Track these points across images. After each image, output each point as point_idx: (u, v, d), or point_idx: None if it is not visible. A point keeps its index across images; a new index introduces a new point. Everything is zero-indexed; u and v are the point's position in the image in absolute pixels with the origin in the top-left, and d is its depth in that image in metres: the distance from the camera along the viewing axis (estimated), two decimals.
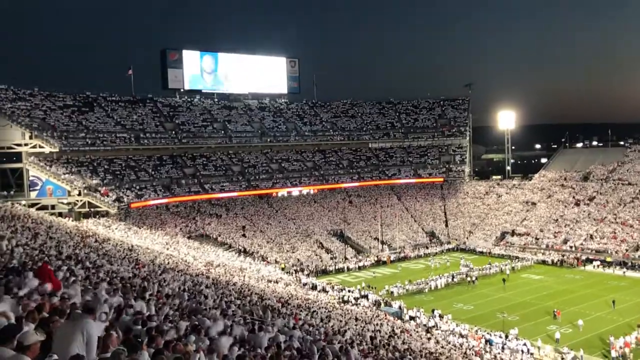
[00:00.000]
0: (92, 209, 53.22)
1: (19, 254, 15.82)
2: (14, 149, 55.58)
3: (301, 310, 26.22)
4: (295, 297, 33.95)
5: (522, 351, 30.44)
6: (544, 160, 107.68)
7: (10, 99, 59.06)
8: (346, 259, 61.14)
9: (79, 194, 53.43)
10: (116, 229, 46.84)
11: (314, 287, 46.02)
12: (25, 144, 55.16)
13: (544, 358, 30.68)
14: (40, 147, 55.52)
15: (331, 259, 60.94)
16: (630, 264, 53.72)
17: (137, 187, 59.92)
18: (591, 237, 60.92)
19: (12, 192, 56.22)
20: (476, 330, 34.63)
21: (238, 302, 22.50)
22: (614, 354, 29.86)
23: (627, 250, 56.31)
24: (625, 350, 30.06)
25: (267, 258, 56.89)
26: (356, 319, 29.93)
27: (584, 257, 57.01)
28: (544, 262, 58.04)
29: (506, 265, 54.91)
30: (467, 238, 69.13)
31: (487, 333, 33.73)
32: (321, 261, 59.63)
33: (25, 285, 9.63)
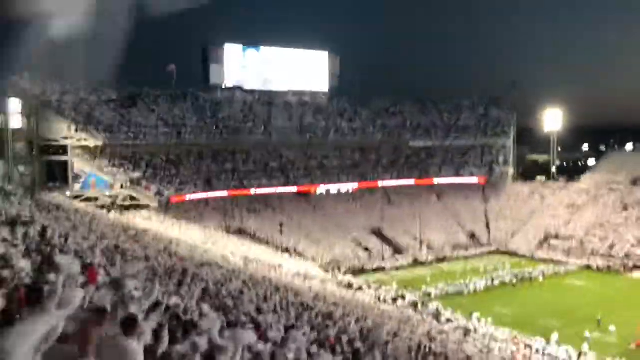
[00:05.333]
0: (133, 202, 54.23)
1: (63, 245, 16.06)
2: (60, 142, 56.97)
3: (337, 308, 26.02)
4: (331, 295, 33.80)
5: (564, 358, 29.55)
6: (591, 162, 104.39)
7: (58, 92, 60.58)
8: (384, 258, 60.63)
9: (121, 187, 54.48)
10: (156, 222, 47.62)
11: (350, 286, 45.77)
12: (71, 138, 56.47)
13: None
14: (85, 140, 56.77)
15: (369, 257, 60.54)
16: None
17: (178, 182, 60.75)
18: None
19: (57, 184, 57.71)
20: (515, 335, 33.78)
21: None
22: None
23: None
24: None
25: (304, 255, 56.89)
26: (392, 319, 29.56)
27: (631, 264, 55.05)
28: (588, 268, 56.24)
29: (548, 269, 53.48)
30: (508, 240, 67.63)
31: (527, 338, 32.88)
32: (358, 260, 59.29)
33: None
